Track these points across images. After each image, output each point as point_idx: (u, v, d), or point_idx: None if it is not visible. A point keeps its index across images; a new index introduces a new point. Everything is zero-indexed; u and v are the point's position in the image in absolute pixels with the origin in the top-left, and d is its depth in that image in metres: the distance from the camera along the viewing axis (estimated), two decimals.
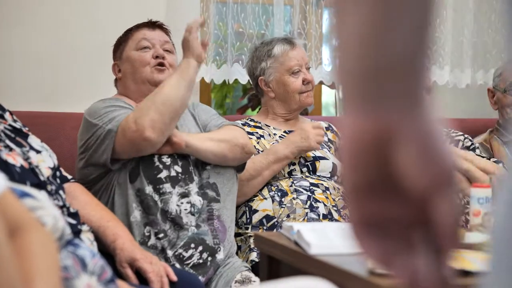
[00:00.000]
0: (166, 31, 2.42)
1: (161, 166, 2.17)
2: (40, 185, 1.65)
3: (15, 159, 1.66)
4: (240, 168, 2.37)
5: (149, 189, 2.13)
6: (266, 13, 3.24)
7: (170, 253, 2.10)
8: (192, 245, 2.13)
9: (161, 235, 2.12)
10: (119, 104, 2.21)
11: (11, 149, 1.69)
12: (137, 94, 2.32)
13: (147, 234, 2.11)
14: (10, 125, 1.81)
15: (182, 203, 2.15)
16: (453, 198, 0.54)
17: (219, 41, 3.19)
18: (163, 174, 2.16)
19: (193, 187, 2.19)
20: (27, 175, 1.64)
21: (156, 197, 2.13)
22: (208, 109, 2.48)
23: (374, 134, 0.54)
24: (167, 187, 2.15)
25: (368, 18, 0.53)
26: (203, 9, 3.10)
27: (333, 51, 0.57)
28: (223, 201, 2.25)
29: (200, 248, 2.14)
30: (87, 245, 1.61)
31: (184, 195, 2.17)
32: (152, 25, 2.40)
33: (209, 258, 2.15)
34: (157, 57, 2.31)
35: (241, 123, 2.68)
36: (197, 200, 2.18)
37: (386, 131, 0.54)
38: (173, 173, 2.17)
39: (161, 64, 2.31)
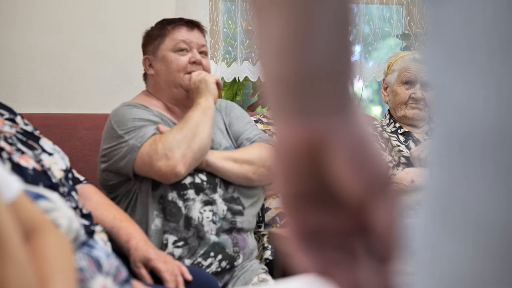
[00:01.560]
0: (203, 32, 2.38)
1: None
2: (52, 187, 1.65)
3: (28, 161, 1.66)
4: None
5: (172, 195, 2.11)
6: None
7: (187, 262, 2.08)
8: (212, 254, 2.10)
9: (181, 243, 2.09)
10: (147, 117, 2.17)
11: (23, 152, 1.69)
12: (168, 96, 2.30)
13: (164, 242, 2.09)
14: (21, 128, 1.81)
15: (204, 210, 2.13)
16: (391, 204, 0.52)
17: (229, 39, 3.19)
18: (187, 180, 2.13)
19: (217, 197, 2.16)
20: (39, 178, 1.64)
21: (180, 203, 2.11)
22: (242, 115, 2.41)
23: (306, 142, 0.52)
24: (190, 193, 2.12)
25: (289, 22, 0.50)
26: (211, 7, 3.10)
27: (257, 54, 0.54)
28: (246, 215, 2.22)
29: (220, 256, 2.12)
30: (101, 245, 1.62)
31: (207, 202, 2.14)
32: (191, 25, 2.34)
33: (228, 267, 2.13)
34: (194, 62, 2.28)
35: (254, 120, 2.67)
36: (220, 209, 2.15)
37: (318, 138, 0.52)
38: (197, 180, 2.15)
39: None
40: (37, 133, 1.86)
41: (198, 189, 2.14)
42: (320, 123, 0.52)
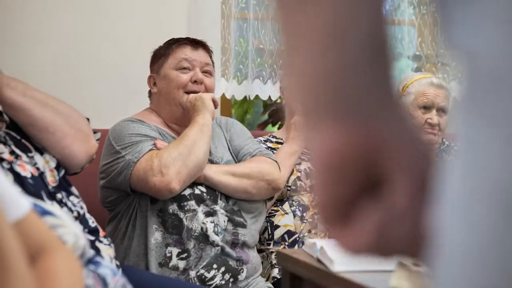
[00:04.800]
0: (208, 51, 2.37)
1: None
2: (50, 195, 1.62)
3: (25, 168, 1.61)
4: (269, 198, 2.34)
5: (173, 207, 2.11)
6: None
7: (192, 273, 2.08)
8: (215, 266, 2.10)
9: (184, 255, 2.09)
10: (144, 133, 2.18)
11: (17, 157, 1.63)
12: (169, 115, 2.31)
13: (168, 255, 2.09)
14: (11, 123, 1.70)
15: (207, 221, 2.13)
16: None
17: (240, 57, 3.20)
18: (187, 192, 2.13)
19: (218, 208, 2.16)
20: (39, 185, 1.60)
21: (181, 215, 2.11)
22: (242, 131, 2.42)
23: (359, 145, 0.50)
24: (191, 204, 2.12)
25: (330, 10, 0.49)
26: (223, 25, 3.10)
27: (282, 58, 0.52)
28: (249, 228, 2.22)
29: (223, 269, 2.11)
30: (107, 262, 1.60)
31: (209, 213, 2.14)
32: (196, 44, 2.34)
33: (231, 280, 2.13)
34: (195, 81, 2.28)
35: (263, 140, 2.67)
36: (221, 220, 2.15)
37: (371, 140, 0.50)
38: (197, 191, 2.15)
39: (196, 92, 2.27)
40: None
41: (199, 199, 2.14)
42: (372, 123, 0.49)
